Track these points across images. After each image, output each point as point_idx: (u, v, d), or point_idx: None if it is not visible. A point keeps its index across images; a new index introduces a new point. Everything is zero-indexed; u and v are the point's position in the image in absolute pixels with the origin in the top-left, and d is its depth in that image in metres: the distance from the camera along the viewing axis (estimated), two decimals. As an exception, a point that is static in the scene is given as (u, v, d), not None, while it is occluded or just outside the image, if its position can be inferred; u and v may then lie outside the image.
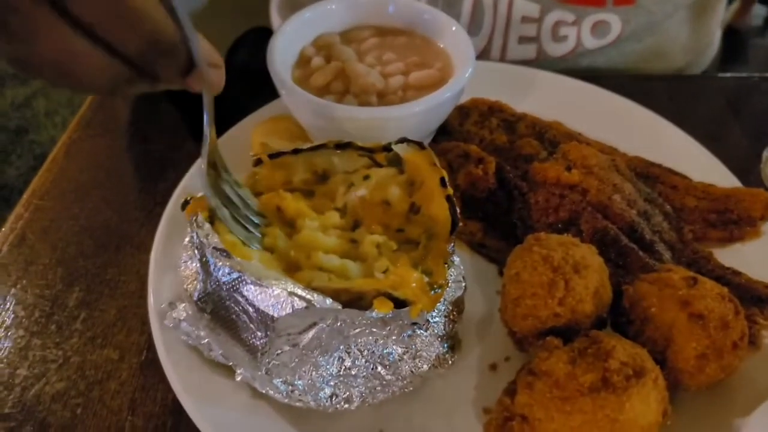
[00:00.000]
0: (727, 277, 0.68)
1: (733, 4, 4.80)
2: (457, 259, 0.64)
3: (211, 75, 0.57)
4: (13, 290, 0.75)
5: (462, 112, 0.88)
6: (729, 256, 0.72)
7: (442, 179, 0.64)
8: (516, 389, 0.55)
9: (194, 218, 0.59)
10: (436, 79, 0.80)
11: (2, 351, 0.69)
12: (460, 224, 0.62)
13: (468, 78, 0.78)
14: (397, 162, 0.68)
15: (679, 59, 1.32)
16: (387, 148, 0.68)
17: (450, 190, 0.64)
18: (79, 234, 0.82)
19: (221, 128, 0.85)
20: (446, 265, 0.59)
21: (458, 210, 0.62)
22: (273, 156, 0.68)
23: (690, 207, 0.76)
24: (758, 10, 5.18)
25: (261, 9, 1.55)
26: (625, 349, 0.52)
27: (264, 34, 1.66)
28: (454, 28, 0.83)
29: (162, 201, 0.78)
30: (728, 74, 1.13)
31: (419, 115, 0.74)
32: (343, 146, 0.68)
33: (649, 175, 0.80)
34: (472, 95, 0.90)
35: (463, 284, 0.63)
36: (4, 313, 0.73)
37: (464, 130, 0.85)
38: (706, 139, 0.86)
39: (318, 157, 0.69)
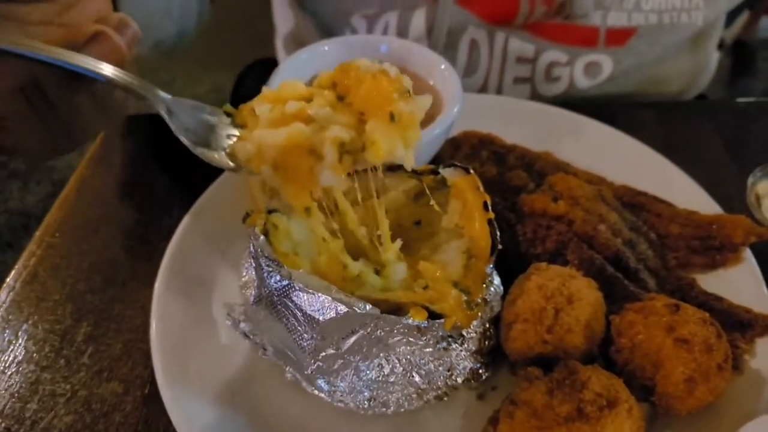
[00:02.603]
0: (709, 303, 0.70)
1: (740, 18, 4.80)
2: (498, 280, 0.67)
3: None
4: (24, 326, 0.79)
5: (454, 144, 0.91)
6: (712, 282, 0.73)
7: (485, 203, 0.68)
8: (499, 418, 0.57)
9: (252, 230, 0.63)
10: (426, 116, 0.83)
11: (14, 386, 0.72)
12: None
13: (456, 114, 0.81)
14: (443, 184, 0.73)
15: (675, 85, 1.35)
16: (435, 172, 0.73)
17: (492, 215, 0.68)
18: (88, 270, 0.86)
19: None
20: (485, 286, 0.63)
21: (499, 234, 0.66)
22: None
23: (674, 234, 0.78)
24: (766, 23, 5.18)
25: (267, 40, 1.60)
26: (600, 380, 0.54)
27: (270, 64, 1.73)
28: (443, 67, 0.87)
29: (166, 236, 0.82)
30: (716, 99, 1.15)
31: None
32: (394, 168, 0.73)
33: (635, 203, 0.83)
34: (464, 127, 0.93)
35: (502, 304, 0.67)
36: (16, 348, 0.77)
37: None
38: (694, 165, 0.89)
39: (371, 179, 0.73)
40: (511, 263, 0.72)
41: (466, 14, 1.10)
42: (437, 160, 0.90)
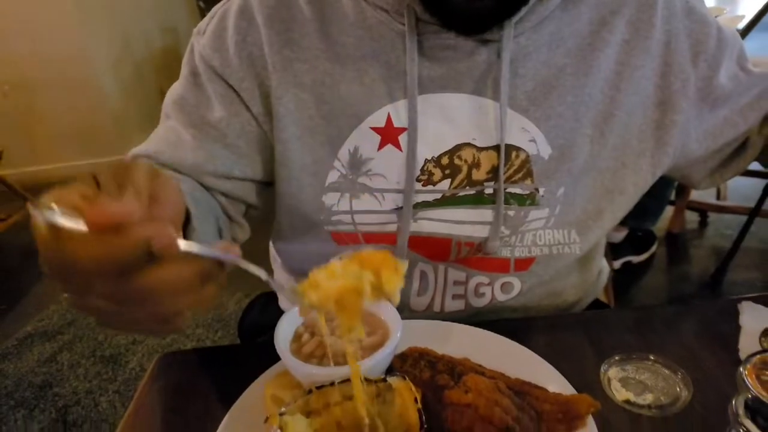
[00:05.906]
0: (566, 458, 1.08)
1: (664, 213, 5.55)
2: None
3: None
4: None
5: (402, 357, 1.33)
6: (571, 442, 1.12)
7: (416, 399, 1.08)
8: None
9: (271, 428, 0.99)
10: (378, 342, 1.26)
11: None
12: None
13: (399, 338, 1.24)
14: (391, 388, 1.12)
15: (571, 296, 1.81)
16: (384, 380, 1.13)
17: (419, 406, 1.07)
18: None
19: (240, 386, 1.29)
20: None
21: (424, 418, 1.05)
22: (319, 387, 1.11)
23: (547, 410, 1.17)
24: (692, 216, 5.96)
25: (267, 259, 2.05)
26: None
27: (270, 296, 2.22)
28: (389, 307, 1.32)
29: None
30: (587, 312, 1.60)
31: (370, 368, 1.18)
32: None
33: (522, 390, 1.23)
34: (409, 344, 1.36)
35: None
36: None
37: (404, 370, 1.30)
38: (568, 360, 1.31)
39: (347, 387, 1.11)
40: (440, 440, 1.10)
41: (416, 255, 1.58)
42: (391, 367, 1.31)
